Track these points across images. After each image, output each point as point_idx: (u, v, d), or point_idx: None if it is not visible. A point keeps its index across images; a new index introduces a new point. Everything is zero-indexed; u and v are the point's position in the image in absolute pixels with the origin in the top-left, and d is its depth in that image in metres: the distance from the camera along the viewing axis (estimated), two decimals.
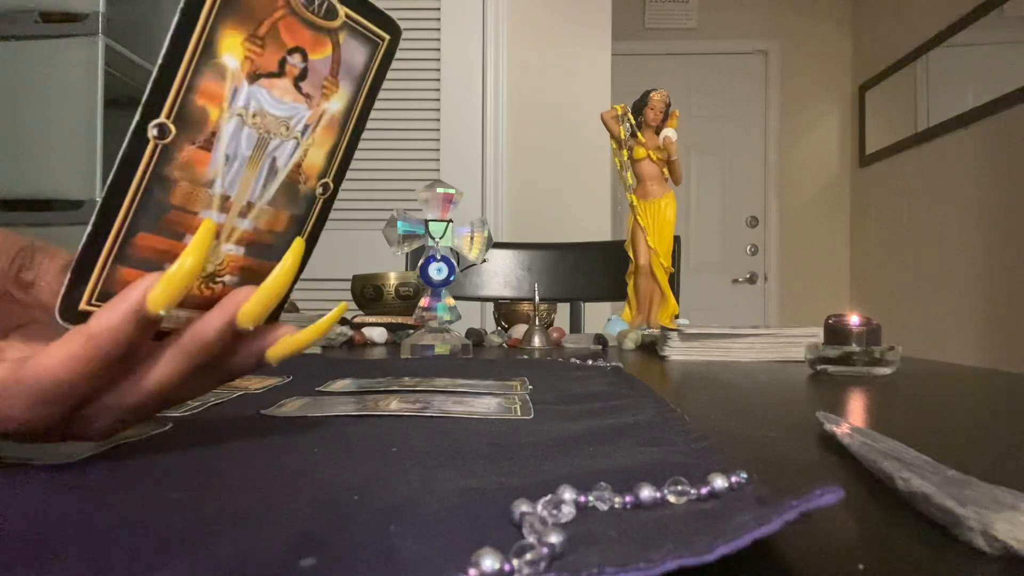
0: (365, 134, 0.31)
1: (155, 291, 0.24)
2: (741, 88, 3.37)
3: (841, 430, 0.31)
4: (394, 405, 0.40)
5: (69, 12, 1.49)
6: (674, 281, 1.20)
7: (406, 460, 0.27)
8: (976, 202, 2.43)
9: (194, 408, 0.39)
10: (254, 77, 0.27)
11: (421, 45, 2.15)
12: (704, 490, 0.21)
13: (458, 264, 0.86)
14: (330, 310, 0.30)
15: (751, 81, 3.37)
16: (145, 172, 0.25)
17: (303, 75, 0.28)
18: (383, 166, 2.14)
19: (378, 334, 1.03)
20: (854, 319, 0.66)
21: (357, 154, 0.32)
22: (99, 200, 0.25)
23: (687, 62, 3.36)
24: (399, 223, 0.83)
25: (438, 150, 2.16)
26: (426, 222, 0.84)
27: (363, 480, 0.24)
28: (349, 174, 0.31)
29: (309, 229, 0.31)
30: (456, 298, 0.89)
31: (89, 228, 0.25)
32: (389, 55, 0.31)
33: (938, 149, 2.65)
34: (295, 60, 0.28)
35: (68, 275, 0.25)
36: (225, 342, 0.27)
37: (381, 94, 0.31)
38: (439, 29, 2.16)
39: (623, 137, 1.16)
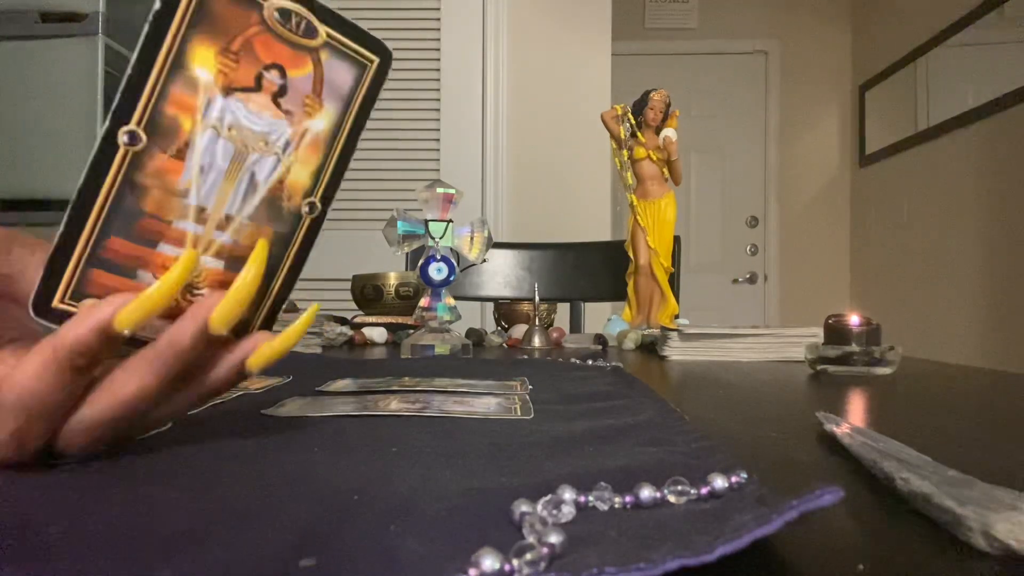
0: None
1: (125, 311, 0.24)
2: (741, 88, 3.37)
3: (841, 430, 0.31)
4: (394, 405, 0.40)
5: (69, 12, 1.49)
6: (674, 281, 1.20)
7: (406, 460, 0.27)
8: (976, 202, 2.43)
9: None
10: (229, 90, 0.27)
11: (421, 46, 2.15)
12: (704, 490, 0.21)
13: (458, 264, 0.86)
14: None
15: (751, 81, 3.37)
16: (116, 177, 0.26)
17: (282, 91, 0.28)
18: (383, 166, 2.14)
19: (378, 334, 1.03)
20: (854, 319, 0.66)
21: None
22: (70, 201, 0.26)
23: (687, 62, 3.36)
24: (399, 223, 0.83)
25: (438, 150, 2.16)
26: (426, 222, 0.84)
27: (363, 480, 0.24)
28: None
29: (296, 248, 0.31)
30: (456, 298, 0.89)
31: (61, 228, 0.26)
32: (379, 77, 0.31)
33: (938, 149, 2.65)
34: (273, 76, 0.28)
35: (41, 271, 0.26)
36: (200, 349, 0.26)
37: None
38: (439, 30, 2.15)
39: (623, 137, 1.16)
